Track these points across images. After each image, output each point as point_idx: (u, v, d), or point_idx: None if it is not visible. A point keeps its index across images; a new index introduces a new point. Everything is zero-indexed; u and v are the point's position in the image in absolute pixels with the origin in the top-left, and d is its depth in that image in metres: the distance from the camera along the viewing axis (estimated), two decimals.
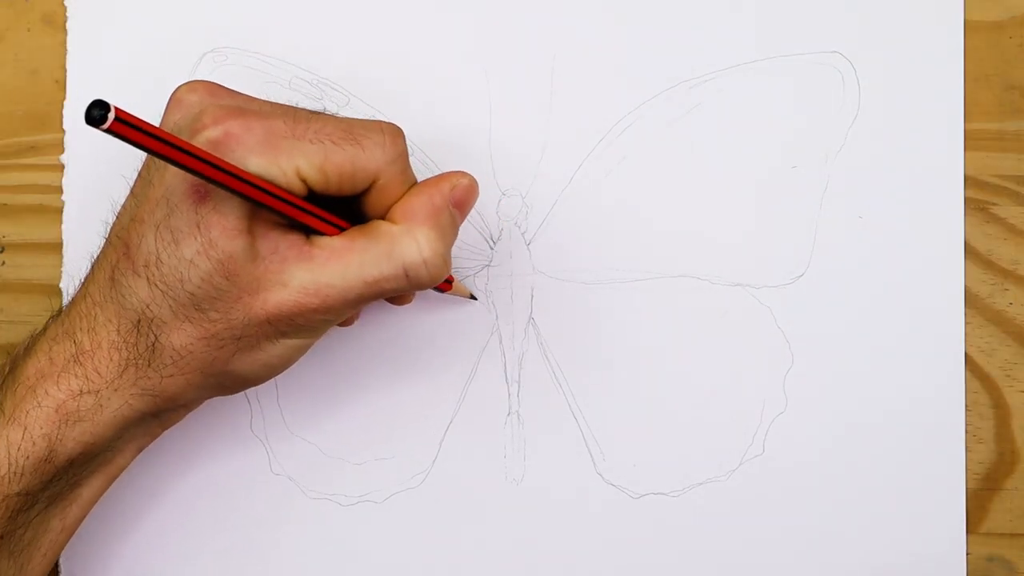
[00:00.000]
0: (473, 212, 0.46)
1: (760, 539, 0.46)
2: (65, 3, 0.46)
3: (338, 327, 0.44)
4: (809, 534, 0.45)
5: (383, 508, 0.46)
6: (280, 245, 0.37)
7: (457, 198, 0.39)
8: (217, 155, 0.35)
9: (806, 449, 0.46)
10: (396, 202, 0.38)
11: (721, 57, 0.46)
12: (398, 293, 0.39)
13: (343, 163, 0.37)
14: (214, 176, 0.34)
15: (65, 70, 0.46)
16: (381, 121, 0.38)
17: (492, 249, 0.46)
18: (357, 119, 0.38)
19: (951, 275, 0.46)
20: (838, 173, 0.46)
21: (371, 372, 0.46)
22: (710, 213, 0.46)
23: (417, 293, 0.44)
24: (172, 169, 0.37)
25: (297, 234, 0.37)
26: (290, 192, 0.36)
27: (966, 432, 0.45)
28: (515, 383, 0.46)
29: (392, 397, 0.46)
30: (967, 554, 0.45)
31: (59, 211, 0.46)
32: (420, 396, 0.46)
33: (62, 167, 0.46)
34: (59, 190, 0.46)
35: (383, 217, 0.39)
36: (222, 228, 0.36)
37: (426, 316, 0.46)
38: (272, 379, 0.40)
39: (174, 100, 0.38)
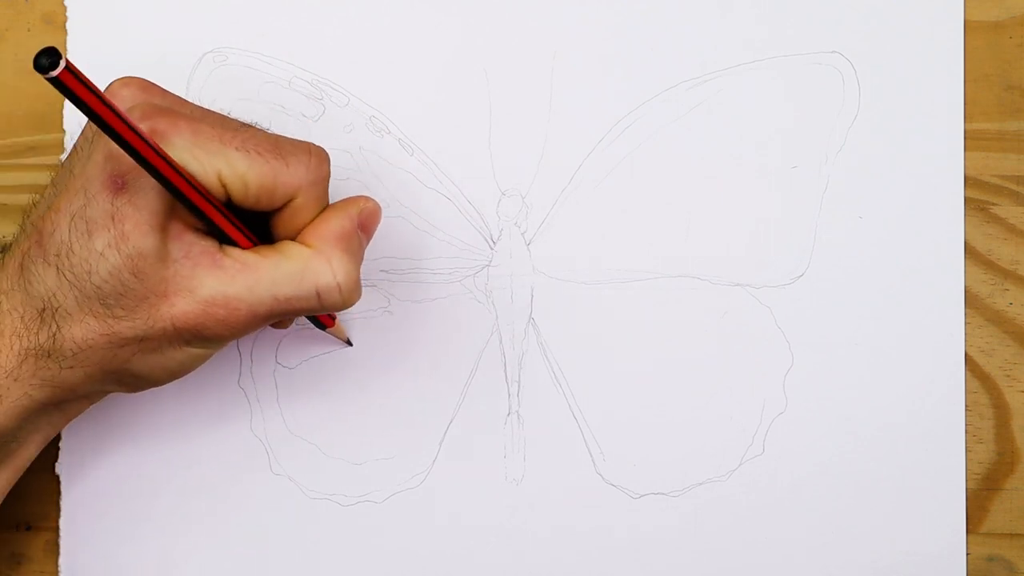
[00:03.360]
0: (473, 212, 0.46)
1: (760, 539, 0.46)
2: (65, 3, 0.46)
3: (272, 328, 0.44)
4: (809, 534, 0.45)
5: (383, 508, 0.46)
6: (193, 250, 0.37)
7: (362, 222, 0.40)
8: None
9: (806, 449, 0.46)
10: (307, 225, 0.39)
11: (721, 57, 0.46)
12: (308, 314, 0.39)
13: (265, 175, 0.37)
14: (141, 151, 0.34)
15: None
16: (310, 143, 0.39)
17: (492, 249, 0.46)
18: (287, 137, 0.39)
19: (951, 275, 0.46)
20: (838, 173, 0.46)
21: (371, 372, 0.46)
22: (710, 213, 0.46)
23: (294, 325, 0.45)
24: (93, 159, 0.37)
25: (211, 241, 0.38)
26: (214, 196, 0.37)
27: (966, 432, 0.45)
28: (515, 383, 0.46)
29: (392, 397, 0.46)
30: (967, 554, 0.45)
31: None
32: (420, 396, 0.46)
33: None
34: None
35: (292, 238, 0.39)
36: (135, 222, 0.36)
37: (426, 316, 0.46)
38: (169, 381, 0.40)
39: (107, 93, 0.38)
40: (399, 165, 0.46)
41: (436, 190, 0.46)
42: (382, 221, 0.45)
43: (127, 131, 0.34)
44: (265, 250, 0.38)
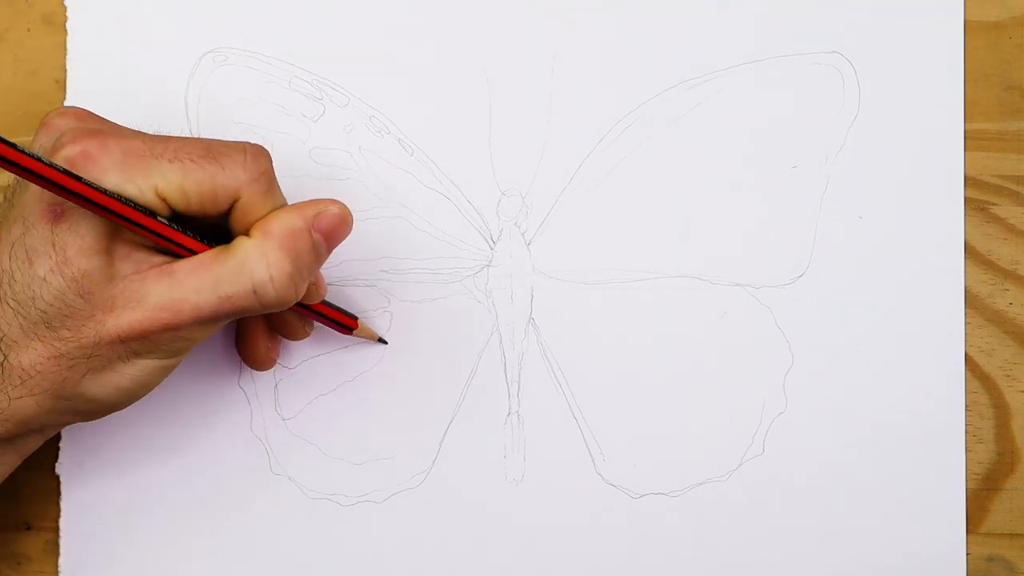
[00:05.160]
0: (473, 212, 0.46)
1: (760, 539, 0.46)
2: (65, 3, 0.46)
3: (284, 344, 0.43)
4: (809, 534, 0.45)
5: (383, 508, 0.46)
6: (142, 266, 0.37)
7: (323, 226, 0.39)
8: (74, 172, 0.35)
9: (806, 449, 0.46)
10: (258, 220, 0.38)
11: (721, 57, 0.46)
12: (250, 312, 0.38)
13: (202, 181, 0.37)
14: (69, 186, 0.35)
15: (65, 70, 0.46)
16: (245, 142, 0.38)
17: (492, 249, 0.46)
18: (221, 140, 0.38)
19: (951, 275, 0.46)
20: (838, 173, 0.46)
21: (371, 372, 0.46)
22: (710, 213, 0.46)
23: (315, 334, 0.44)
24: (30, 189, 0.37)
25: (162, 257, 0.37)
26: (151, 211, 0.37)
27: (966, 432, 0.45)
28: (515, 383, 0.46)
29: (392, 397, 0.46)
30: (967, 554, 0.45)
31: None
32: (420, 396, 0.46)
33: None
34: None
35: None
36: (78, 247, 0.36)
37: (426, 316, 0.46)
38: (127, 403, 0.39)
39: (43, 124, 0.38)
40: (399, 165, 0.46)
41: (436, 190, 0.46)
42: (383, 221, 0.45)
43: (51, 172, 0.34)
44: (217, 250, 0.38)
